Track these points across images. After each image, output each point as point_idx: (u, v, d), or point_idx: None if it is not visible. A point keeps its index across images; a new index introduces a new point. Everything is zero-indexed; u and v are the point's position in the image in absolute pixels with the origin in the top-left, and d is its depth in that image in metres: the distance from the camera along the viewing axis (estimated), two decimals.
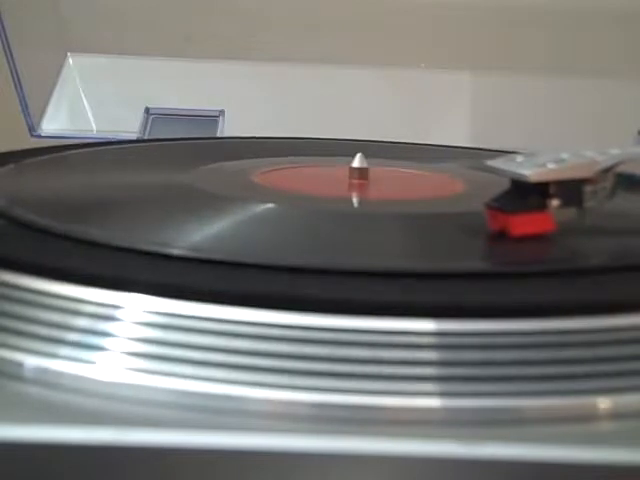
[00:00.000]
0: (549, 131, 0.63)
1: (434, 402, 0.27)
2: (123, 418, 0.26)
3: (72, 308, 0.29)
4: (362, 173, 0.43)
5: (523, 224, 0.34)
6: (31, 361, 0.28)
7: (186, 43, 0.64)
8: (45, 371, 0.28)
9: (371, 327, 0.28)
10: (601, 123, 0.63)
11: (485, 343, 0.28)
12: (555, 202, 0.34)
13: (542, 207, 0.34)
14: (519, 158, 0.35)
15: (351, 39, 0.64)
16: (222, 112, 0.64)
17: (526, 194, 0.34)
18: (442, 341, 0.27)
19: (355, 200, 0.42)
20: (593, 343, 0.28)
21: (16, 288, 0.30)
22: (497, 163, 0.35)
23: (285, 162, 0.48)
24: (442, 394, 0.27)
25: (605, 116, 0.63)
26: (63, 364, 0.28)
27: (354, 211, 0.40)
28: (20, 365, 0.28)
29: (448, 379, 0.27)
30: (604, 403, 0.27)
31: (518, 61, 0.64)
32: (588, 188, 0.35)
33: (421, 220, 0.38)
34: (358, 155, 0.43)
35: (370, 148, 0.47)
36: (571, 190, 0.35)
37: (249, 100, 0.65)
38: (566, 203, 0.34)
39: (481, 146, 0.57)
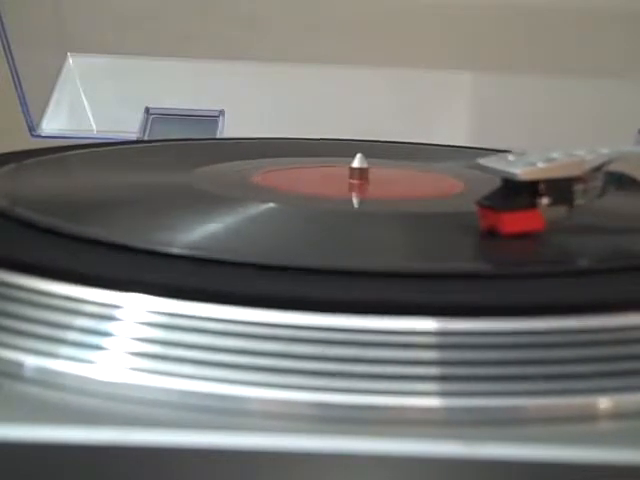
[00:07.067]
0: (549, 131, 0.63)
1: (434, 402, 0.27)
2: (123, 418, 0.26)
3: (72, 308, 0.29)
4: (362, 173, 0.43)
5: (513, 222, 0.34)
6: (31, 361, 0.28)
7: (186, 43, 0.64)
8: (45, 371, 0.28)
9: (371, 327, 0.28)
10: (601, 123, 0.63)
11: (485, 343, 0.28)
12: (545, 200, 0.34)
13: (532, 205, 0.34)
14: (510, 157, 0.35)
15: (351, 39, 0.64)
16: (222, 112, 0.64)
17: (516, 192, 0.34)
18: (442, 340, 0.27)
19: (355, 200, 0.42)
20: (593, 343, 0.28)
21: (16, 288, 0.30)
22: (488, 161, 0.35)
23: (285, 162, 0.48)
24: (442, 394, 0.27)
25: (605, 116, 0.63)
26: (63, 364, 0.28)
27: (354, 211, 0.40)
28: (20, 365, 0.28)
29: (448, 379, 0.27)
30: (604, 403, 0.27)
31: (518, 61, 0.64)
32: (578, 187, 0.35)
33: (421, 220, 0.38)
34: (358, 155, 0.43)
35: (370, 148, 0.47)
36: (561, 189, 0.35)
37: (249, 100, 0.65)
38: (556, 201, 0.35)
39: (481, 146, 0.57)
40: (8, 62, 0.61)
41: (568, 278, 0.31)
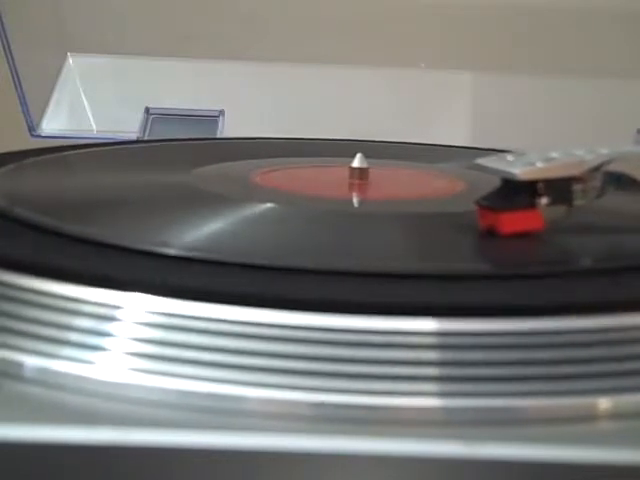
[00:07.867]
0: (549, 131, 0.63)
1: (434, 402, 0.27)
2: (123, 418, 0.26)
3: (72, 308, 0.29)
4: (362, 173, 0.43)
5: (512, 222, 0.34)
6: (31, 361, 0.28)
7: (186, 43, 0.64)
8: (45, 371, 0.28)
9: (371, 327, 0.28)
10: (601, 123, 0.63)
11: (485, 343, 0.28)
12: (544, 200, 0.34)
13: (531, 205, 0.34)
14: (509, 157, 0.35)
15: (351, 39, 0.64)
16: (222, 112, 0.64)
17: (515, 192, 0.34)
18: (442, 341, 0.27)
19: (355, 200, 0.42)
20: (593, 343, 0.28)
21: (16, 288, 0.30)
22: (487, 161, 0.35)
23: (285, 162, 0.48)
24: (442, 394, 0.27)
25: (605, 116, 0.63)
26: (63, 364, 0.28)
27: (354, 211, 0.40)
28: (21, 365, 0.28)
29: (448, 379, 0.27)
30: (604, 403, 0.27)
31: (518, 61, 0.64)
32: (577, 187, 0.35)
33: (421, 220, 0.38)
34: (358, 155, 0.43)
35: (370, 148, 0.47)
36: (560, 188, 0.35)
37: (249, 100, 0.65)
38: (555, 201, 0.35)
39: (481, 146, 0.57)
40: (8, 62, 0.61)
41: (567, 278, 0.31)
